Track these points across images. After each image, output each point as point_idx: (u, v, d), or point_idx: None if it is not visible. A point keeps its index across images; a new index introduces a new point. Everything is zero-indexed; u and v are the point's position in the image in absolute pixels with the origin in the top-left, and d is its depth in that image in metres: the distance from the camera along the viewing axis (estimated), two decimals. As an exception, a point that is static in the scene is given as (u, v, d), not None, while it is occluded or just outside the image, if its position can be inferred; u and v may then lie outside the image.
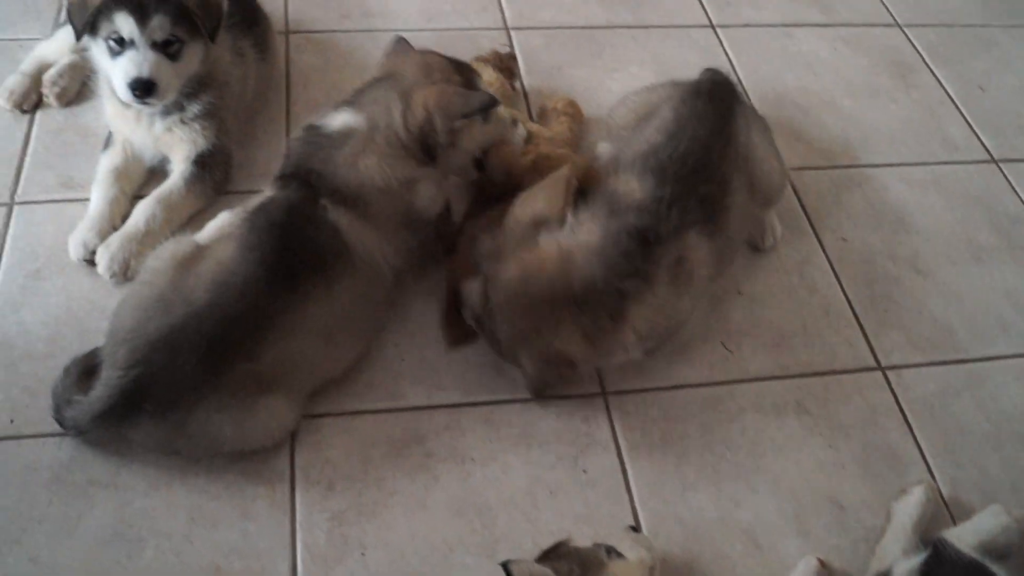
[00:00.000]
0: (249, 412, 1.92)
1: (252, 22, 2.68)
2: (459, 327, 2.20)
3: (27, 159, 2.54)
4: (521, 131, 2.45)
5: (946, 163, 2.96)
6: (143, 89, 2.27)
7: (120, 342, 1.91)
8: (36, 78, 2.68)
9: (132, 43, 2.25)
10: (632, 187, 2.14)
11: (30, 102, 2.66)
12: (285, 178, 2.13)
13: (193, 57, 2.35)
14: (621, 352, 2.09)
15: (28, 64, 2.70)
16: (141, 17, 2.23)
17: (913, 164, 2.94)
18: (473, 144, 2.27)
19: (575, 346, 2.04)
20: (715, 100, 2.35)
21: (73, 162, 2.54)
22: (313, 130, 2.19)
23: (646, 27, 3.27)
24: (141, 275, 2.04)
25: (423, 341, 2.27)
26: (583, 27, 3.23)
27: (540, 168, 2.36)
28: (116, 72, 2.29)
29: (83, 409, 1.90)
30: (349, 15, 3.13)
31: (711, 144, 2.23)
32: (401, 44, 2.35)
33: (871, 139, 3.00)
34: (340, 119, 2.17)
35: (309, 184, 2.09)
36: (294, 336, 1.97)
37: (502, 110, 2.36)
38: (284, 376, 1.97)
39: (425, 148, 2.15)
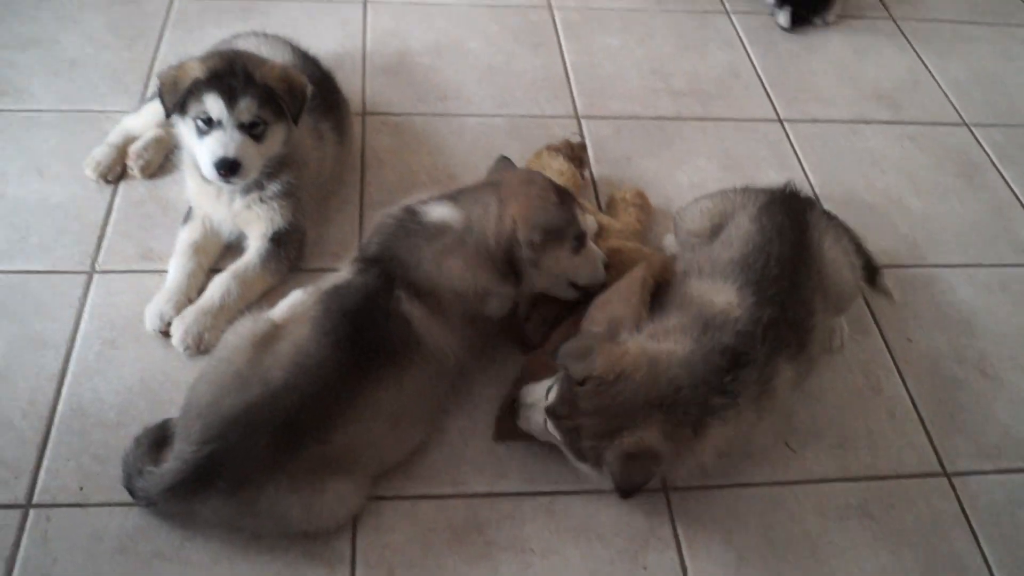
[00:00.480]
0: (318, 494, 1.94)
1: (332, 105, 2.75)
2: (510, 423, 2.18)
3: (109, 229, 2.62)
4: (591, 223, 2.47)
5: (1014, 265, 2.94)
6: (228, 168, 2.33)
7: (196, 417, 1.94)
8: (122, 150, 2.77)
9: (220, 123, 2.33)
10: (730, 300, 2.14)
11: (115, 173, 2.75)
12: (367, 261, 2.15)
13: (276, 138, 2.42)
14: (694, 462, 2.05)
15: (115, 136, 2.80)
16: (230, 99, 2.31)
17: (980, 266, 2.92)
18: (559, 271, 2.25)
19: (658, 442, 1.99)
20: (791, 213, 2.36)
21: (153, 234, 2.61)
22: (410, 214, 2.20)
23: (715, 120, 3.30)
24: (219, 351, 2.08)
25: (487, 428, 2.28)
26: (652, 117, 3.27)
27: (611, 262, 2.37)
28: (202, 151, 2.36)
29: (154, 481, 1.93)
30: (424, 99, 3.21)
31: (796, 263, 2.24)
32: (505, 162, 2.40)
33: (938, 239, 2.99)
34: (440, 211, 2.18)
35: (388, 272, 2.11)
36: (363, 421, 1.99)
37: (598, 251, 2.34)
38: (352, 459, 1.99)
39: (510, 263, 2.16)
